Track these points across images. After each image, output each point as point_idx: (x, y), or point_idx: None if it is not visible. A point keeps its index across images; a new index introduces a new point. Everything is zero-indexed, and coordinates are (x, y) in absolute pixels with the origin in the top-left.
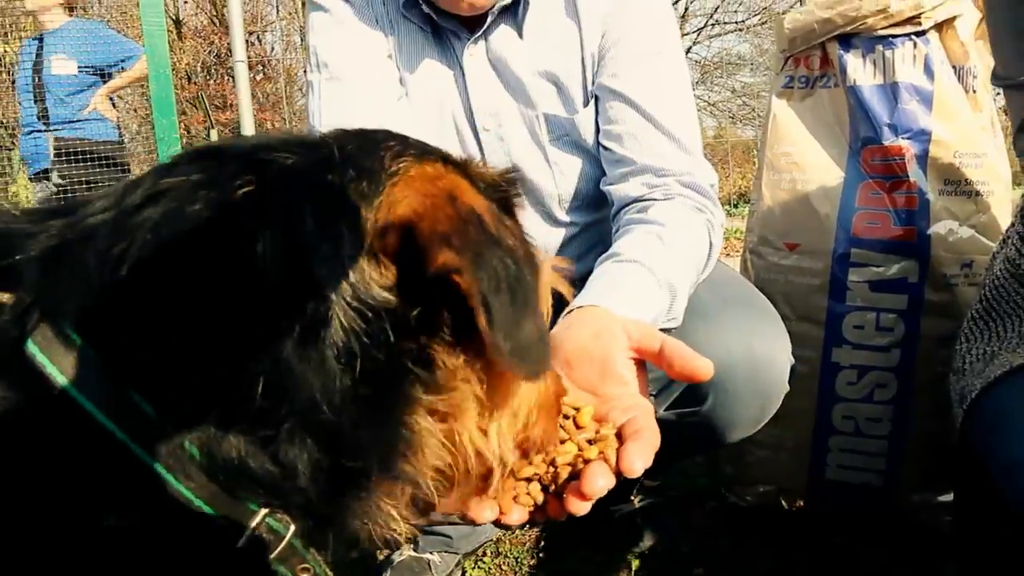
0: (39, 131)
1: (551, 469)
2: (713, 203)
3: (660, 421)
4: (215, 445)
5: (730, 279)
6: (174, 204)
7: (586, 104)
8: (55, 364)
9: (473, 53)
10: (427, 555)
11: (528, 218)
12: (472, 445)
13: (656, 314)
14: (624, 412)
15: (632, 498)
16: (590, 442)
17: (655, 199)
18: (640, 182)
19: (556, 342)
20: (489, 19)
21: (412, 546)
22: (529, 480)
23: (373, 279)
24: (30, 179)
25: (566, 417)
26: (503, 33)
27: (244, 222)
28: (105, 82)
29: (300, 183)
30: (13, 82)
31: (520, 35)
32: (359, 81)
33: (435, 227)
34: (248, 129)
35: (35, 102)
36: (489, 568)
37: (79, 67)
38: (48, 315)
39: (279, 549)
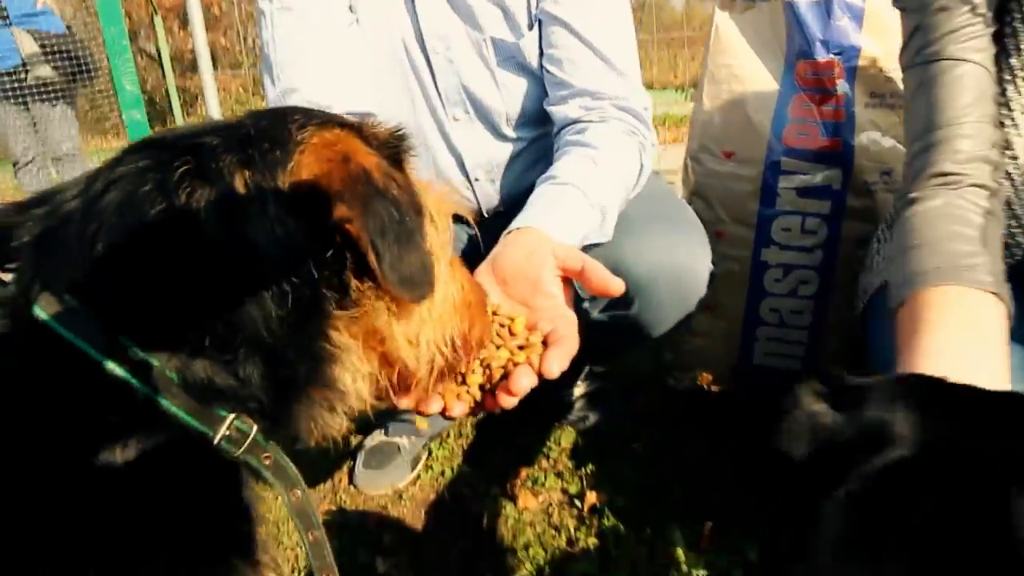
0: None
1: (487, 371)
2: (646, 126)
3: (596, 322)
4: (188, 370)
5: (659, 195)
6: (130, 187)
7: (531, 28)
8: (57, 321)
9: None
10: (396, 439)
11: (479, 134)
12: (400, 352)
13: (587, 232)
14: (550, 322)
15: (581, 383)
16: (521, 348)
17: (591, 121)
18: (578, 104)
19: (496, 260)
20: None
21: (383, 431)
22: (467, 382)
23: (292, 230)
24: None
25: (502, 326)
26: None
27: (186, 195)
28: None
29: (227, 159)
30: None
31: None
32: (309, 9)
33: (331, 185)
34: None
35: None
36: (452, 448)
37: None
38: (46, 286)
39: (246, 444)
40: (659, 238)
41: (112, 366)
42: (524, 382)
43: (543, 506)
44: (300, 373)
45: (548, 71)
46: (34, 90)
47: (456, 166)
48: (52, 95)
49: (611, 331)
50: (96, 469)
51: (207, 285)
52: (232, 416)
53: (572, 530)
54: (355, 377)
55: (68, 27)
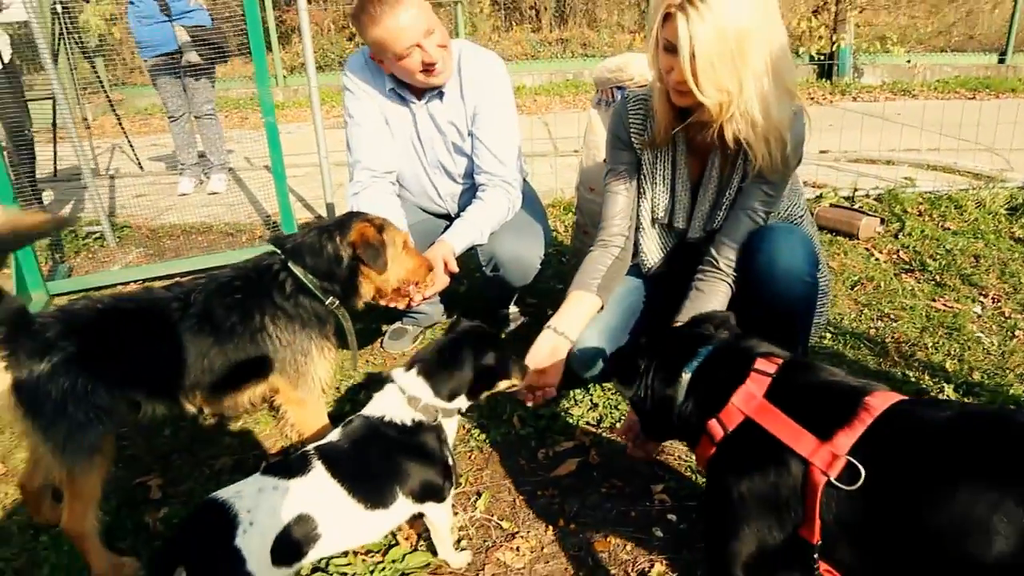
0: (160, 21)
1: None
2: (516, 190)
3: (489, 277)
4: (316, 277)
5: (520, 218)
6: (313, 238)
7: (468, 137)
8: (295, 267)
9: (419, 110)
10: (406, 326)
11: (446, 181)
12: (380, 284)
13: (473, 238)
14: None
15: (512, 307)
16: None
17: (486, 185)
18: (484, 177)
19: (430, 251)
20: (427, 95)
21: (400, 321)
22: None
23: (344, 253)
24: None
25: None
26: (435, 100)
27: (328, 241)
28: None
29: (335, 232)
30: None
31: (441, 102)
32: (369, 125)
33: (358, 241)
34: None
35: None
36: (436, 333)
37: None
38: (294, 261)
39: (335, 306)
40: (511, 239)
41: (299, 272)
42: (423, 295)
43: None
44: (350, 287)
45: (473, 159)
46: (185, 69)
47: (437, 194)
48: (198, 73)
49: (496, 282)
50: (280, 286)
51: (326, 263)
52: (332, 298)
53: None
54: (367, 290)
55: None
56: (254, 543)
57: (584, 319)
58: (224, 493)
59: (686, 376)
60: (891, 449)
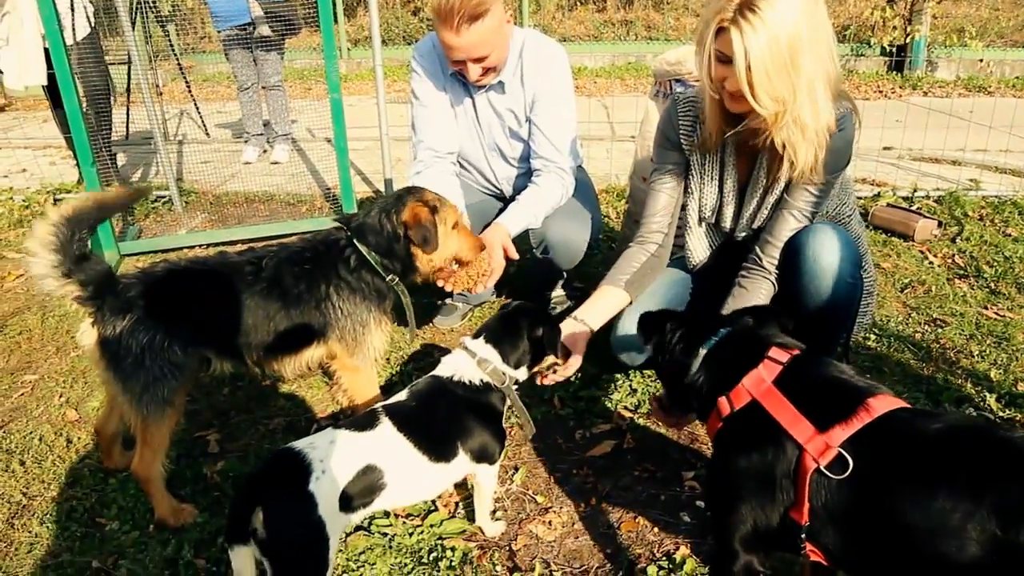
0: None
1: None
2: (570, 177)
3: (538, 258)
4: (378, 254)
5: (571, 203)
6: (375, 216)
7: (525, 123)
8: (359, 244)
9: (479, 96)
10: (457, 304)
11: (502, 163)
12: (433, 261)
13: (527, 223)
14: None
15: (558, 290)
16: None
17: (542, 171)
18: (540, 162)
19: (486, 234)
20: (488, 85)
21: (451, 298)
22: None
23: (400, 232)
24: (224, 31)
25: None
26: (494, 90)
27: (388, 219)
28: None
29: (391, 210)
30: None
31: (503, 92)
32: (434, 107)
33: (409, 222)
34: None
35: None
36: (484, 310)
37: None
38: (358, 238)
39: (396, 282)
40: (561, 223)
41: (364, 249)
42: (479, 287)
43: None
44: (408, 264)
45: (530, 143)
46: (257, 42)
47: (494, 176)
48: (268, 45)
49: (545, 264)
50: (345, 261)
51: (386, 241)
52: (392, 275)
53: None
54: (422, 265)
55: None
56: (326, 488)
57: (608, 310)
58: (299, 444)
59: (703, 351)
60: (882, 448)
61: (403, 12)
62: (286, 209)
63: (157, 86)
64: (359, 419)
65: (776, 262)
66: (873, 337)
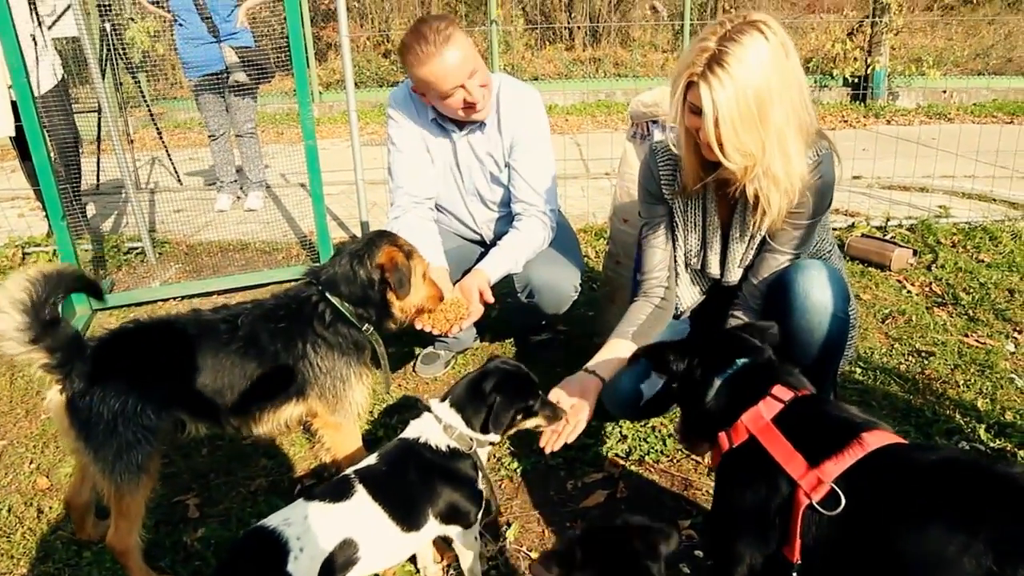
0: (208, 42)
1: (438, 320)
2: (552, 220)
3: (522, 303)
4: (352, 304)
5: (555, 246)
6: (346, 265)
7: (505, 168)
8: (332, 297)
9: (459, 139)
10: (438, 351)
11: (481, 208)
12: (404, 306)
13: (508, 268)
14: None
15: (540, 335)
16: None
17: (523, 215)
18: (520, 206)
19: (466, 280)
20: (468, 126)
21: (432, 346)
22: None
23: (375, 277)
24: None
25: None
26: (475, 132)
27: (360, 266)
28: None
29: (364, 253)
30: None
31: (481, 133)
32: (410, 153)
33: (386, 265)
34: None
35: (201, 20)
36: (468, 357)
37: None
38: (330, 291)
39: (370, 332)
40: (547, 266)
41: (336, 302)
42: (455, 328)
43: None
44: (383, 311)
45: (510, 188)
46: (229, 88)
47: (473, 221)
48: (242, 91)
49: (529, 309)
50: (320, 316)
51: (360, 289)
52: (367, 325)
53: None
54: (397, 311)
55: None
56: (304, 567)
57: (619, 362)
58: (273, 521)
59: (717, 382)
60: (874, 483)
61: (374, 55)
62: (262, 257)
63: (128, 134)
64: (333, 487)
65: (760, 303)
66: (859, 370)
